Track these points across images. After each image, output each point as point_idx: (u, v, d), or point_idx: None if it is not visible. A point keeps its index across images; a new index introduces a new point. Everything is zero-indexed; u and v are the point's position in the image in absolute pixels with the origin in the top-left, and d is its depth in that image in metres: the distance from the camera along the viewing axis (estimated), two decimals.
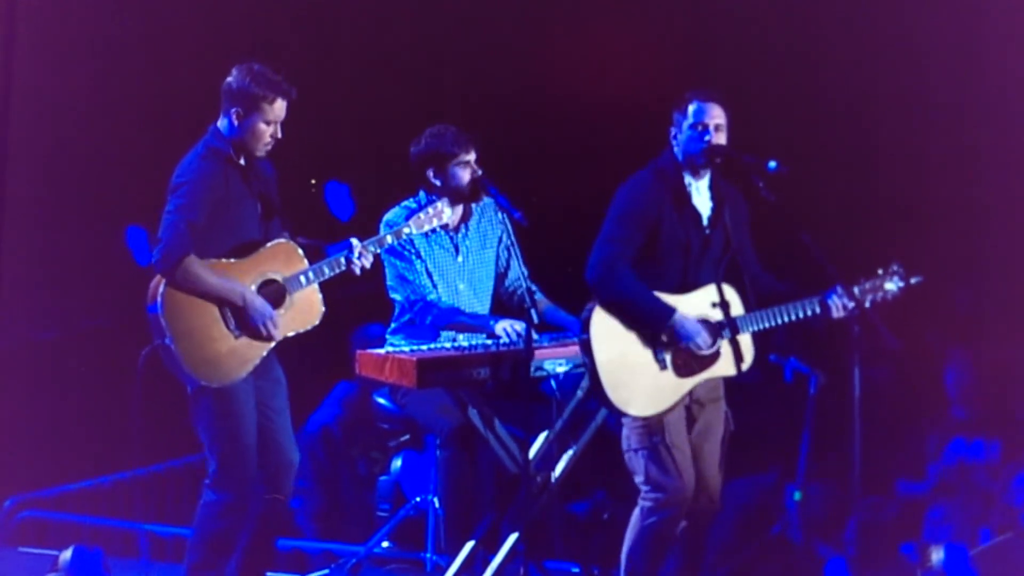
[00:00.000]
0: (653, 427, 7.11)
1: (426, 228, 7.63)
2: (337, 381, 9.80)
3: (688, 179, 7.24)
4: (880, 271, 7.20)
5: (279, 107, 7.19)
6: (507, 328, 7.71)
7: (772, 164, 7.13)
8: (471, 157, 7.94)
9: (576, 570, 8.55)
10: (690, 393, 7.18)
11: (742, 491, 9.08)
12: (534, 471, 7.65)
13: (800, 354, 8.35)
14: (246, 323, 7.14)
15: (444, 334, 7.93)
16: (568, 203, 8.63)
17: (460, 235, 8.06)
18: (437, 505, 8.19)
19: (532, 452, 7.65)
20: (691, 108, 7.19)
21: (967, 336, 9.49)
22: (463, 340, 7.90)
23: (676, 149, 7.23)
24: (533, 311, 7.63)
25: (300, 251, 7.29)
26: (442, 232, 7.99)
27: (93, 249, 10.29)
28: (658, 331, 7.10)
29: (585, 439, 7.78)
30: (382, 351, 7.68)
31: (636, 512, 7.19)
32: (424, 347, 7.74)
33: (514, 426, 7.76)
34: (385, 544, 8.64)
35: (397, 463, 9.24)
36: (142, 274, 7.26)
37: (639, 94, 9.04)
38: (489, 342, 7.74)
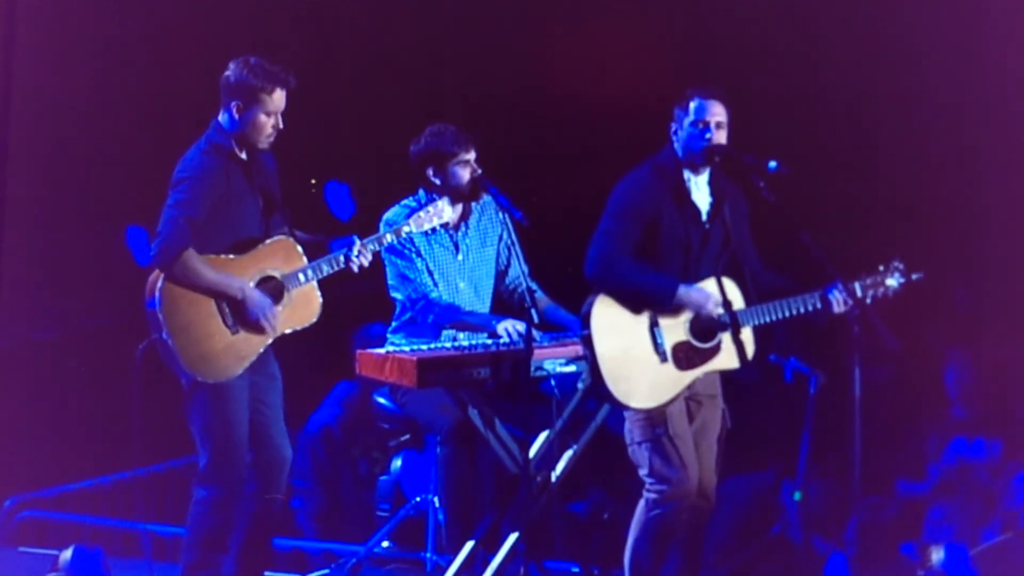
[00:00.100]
0: (655, 419, 7.12)
1: (426, 227, 7.64)
2: (337, 381, 9.81)
3: (688, 175, 7.25)
4: (881, 267, 7.20)
5: (278, 97, 7.19)
6: (509, 328, 7.71)
7: (772, 164, 7.13)
8: (471, 156, 7.95)
9: (576, 570, 8.55)
10: (689, 388, 7.19)
11: (741, 489, 9.08)
12: (534, 471, 7.65)
13: (800, 354, 8.34)
14: (244, 317, 7.15)
15: (444, 333, 7.93)
16: (568, 203, 8.62)
17: (460, 233, 8.06)
18: (437, 505, 8.19)
19: (532, 452, 7.65)
20: (692, 105, 7.20)
21: (967, 336, 9.49)
22: (463, 339, 7.90)
23: (676, 145, 7.25)
24: (533, 310, 7.63)
25: (299, 248, 7.30)
26: (442, 231, 8.00)
27: (93, 249, 10.29)
28: (666, 307, 7.11)
29: (585, 439, 7.78)
30: (382, 351, 7.69)
31: (641, 505, 7.20)
32: (424, 347, 7.74)
33: (514, 426, 7.76)
34: (385, 544, 8.64)
35: (397, 463, 9.24)
36: (142, 274, 7.25)
37: (639, 94, 9.04)
38: (489, 342, 7.74)
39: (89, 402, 10.06)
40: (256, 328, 7.16)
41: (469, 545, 7.75)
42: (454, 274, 8.04)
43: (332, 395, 9.85)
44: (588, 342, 7.11)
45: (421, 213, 7.63)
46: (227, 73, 7.21)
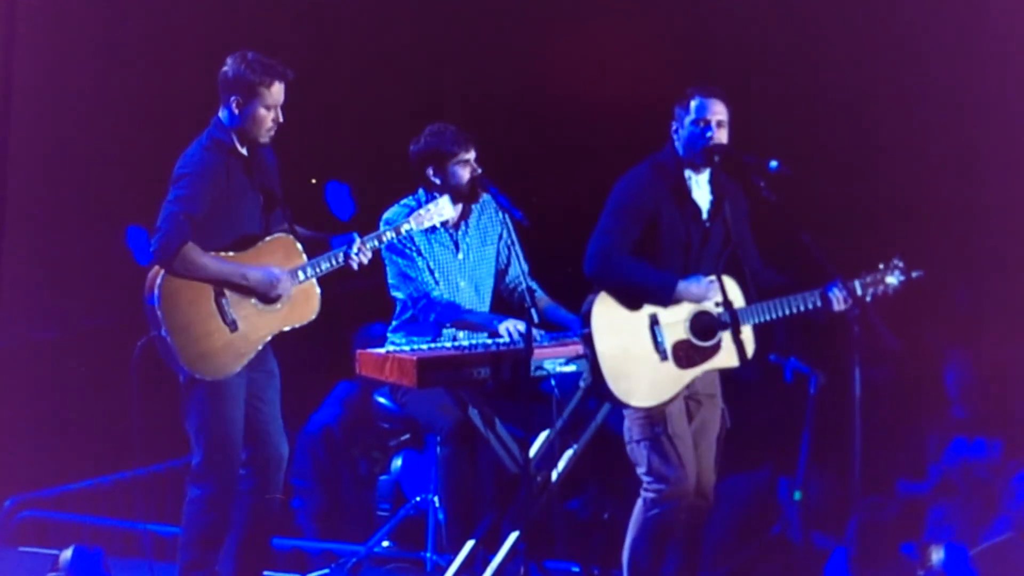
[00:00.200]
0: (655, 418, 7.12)
1: (427, 224, 7.64)
2: (338, 380, 9.81)
3: (688, 173, 7.26)
4: (881, 265, 7.20)
5: (277, 91, 7.19)
6: (510, 328, 7.71)
7: (773, 164, 7.13)
8: (471, 156, 7.95)
9: (576, 570, 8.55)
10: (688, 387, 7.19)
11: (739, 488, 9.07)
12: (534, 471, 7.65)
13: (800, 354, 8.33)
14: (251, 306, 7.14)
15: (445, 332, 7.93)
16: (568, 203, 8.62)
17: (460, 232, 8.06)
18: (437, 505, 8.19)
19: (532, 452, 7.65)
20: (693, 104, 7.20)
21: (967, 336, 9.49)
22: (463, 339, 7.90)
23: (677, 144, 7.25)
24: (533, 310, 7.63)
25: (299, 246, 7.30)
26: (442, 230, 8.00)
27: (93, 249, 10.29)
28: (667, 302, 7.11)
29: (585, 438, 7.78)
30: (382, 350, 7.69)
31: (639, 504, 7.20)
32: (424, 346, 7.74)
33: (514, 425, 7.76)
34: (385, 544, 8.65)
35: (397, 463, 9.24)
36: (142, 274, 7.25)
37: (639, 94, 9.04)
38: (489, 341, 7.74)
39: (89, 402, 10.06)
40: (271, 301, 7.15)
41: (469, 545, 7.75)
42: (454, 273, 8.04)
43: (332, 395, 9.85)
44: (588, 340, 7.11)
45: (421, 211, 7.62)
46: (225, 69, 7.21)
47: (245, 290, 7.15)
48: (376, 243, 7.43)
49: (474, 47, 10.09)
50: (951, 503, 9.02)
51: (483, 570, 7.72)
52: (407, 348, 7.73)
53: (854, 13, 9.64)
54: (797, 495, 8.38)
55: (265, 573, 7.50)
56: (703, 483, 7.24)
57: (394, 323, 8.06)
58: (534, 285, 7.98)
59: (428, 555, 8.35)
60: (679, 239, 7.18)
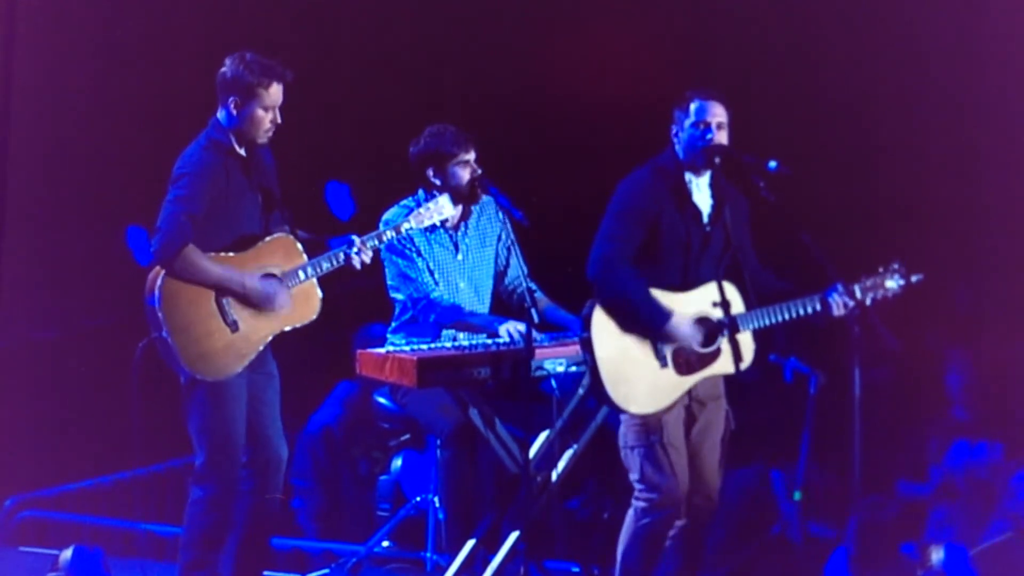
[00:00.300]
0: (651, 425, 7.10)
1: (427, 223, 7.64)
2: (338, 381, 9.81)
3: (689, 176, 7.24)
4: (881, 269, 7.19)
5: (275, 92, 7.20)
6: (511, 330, 7.71)
7: (773, 164, 7.12)
8: (471, 156, 7.95)
9: (576, 570, 8.55)
10: (690, 392, 7.18)
11: (738, 487, 9.07)
12: (534, 471, 7.65)
13: (800, 354, 8.34)
14: (251, 309, 7.15)
15: (444, 333, 7.93)
16: (568, 203, 8.62)
17: (460, 233, 8.06)
18: (437, 505, 8.19)
19: (532, 452, 7.65)
20: (693, 106, 7.19)
21: (967, 336, 9.49)
22: (463, 339, 7.90)
23: (677, 147, 7.24)
24: (533, 310, 7.63)
25: (299, 246, 7.30)
26: (442, 230, 8.00)
27: (93, 249, 10.28)
28: (653, 335, 7.11)
29: (586, 438, 7.79)
30: (382, 350, 7.69)
31: (630, 513, 7.18)
32: (424, 346, 7.74)
33: (514, 426, 7.76)
34: (385, 544, 8.65)
35: (397, 463, 9.24)
36: (142, 274, 7.25)
37: (639, 94, 9.03)
38: (489, 341, 7.74)
39: (89, 402, 10.06)
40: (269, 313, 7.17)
41: (469, 545, 7.75)
42: (454, 274, 8.04)
43: (333, 395, 9.85)
44: (588, 345, 7.09)
45: (421, 210, 7.62)
46: (223, 70, 7.22)
47: (242, 297, 7.15)
48: (376, 242, 7.43)
49: (474, 47, 10.09)
50: (952, 505, 9.02)
51: (483, 570, 7.72)
52: (407, 348, 7.73)
53: (854, 13, 9.64)
54: (797, 495, 8.39)
55: (265, 573, 7.51)
56: (708, 484, 7.23)
57: (393, 324, 8.06)
58: (534, 286, 7.98)
59: (428, 555, 8.35)
60: (679, 240, 7.17)
